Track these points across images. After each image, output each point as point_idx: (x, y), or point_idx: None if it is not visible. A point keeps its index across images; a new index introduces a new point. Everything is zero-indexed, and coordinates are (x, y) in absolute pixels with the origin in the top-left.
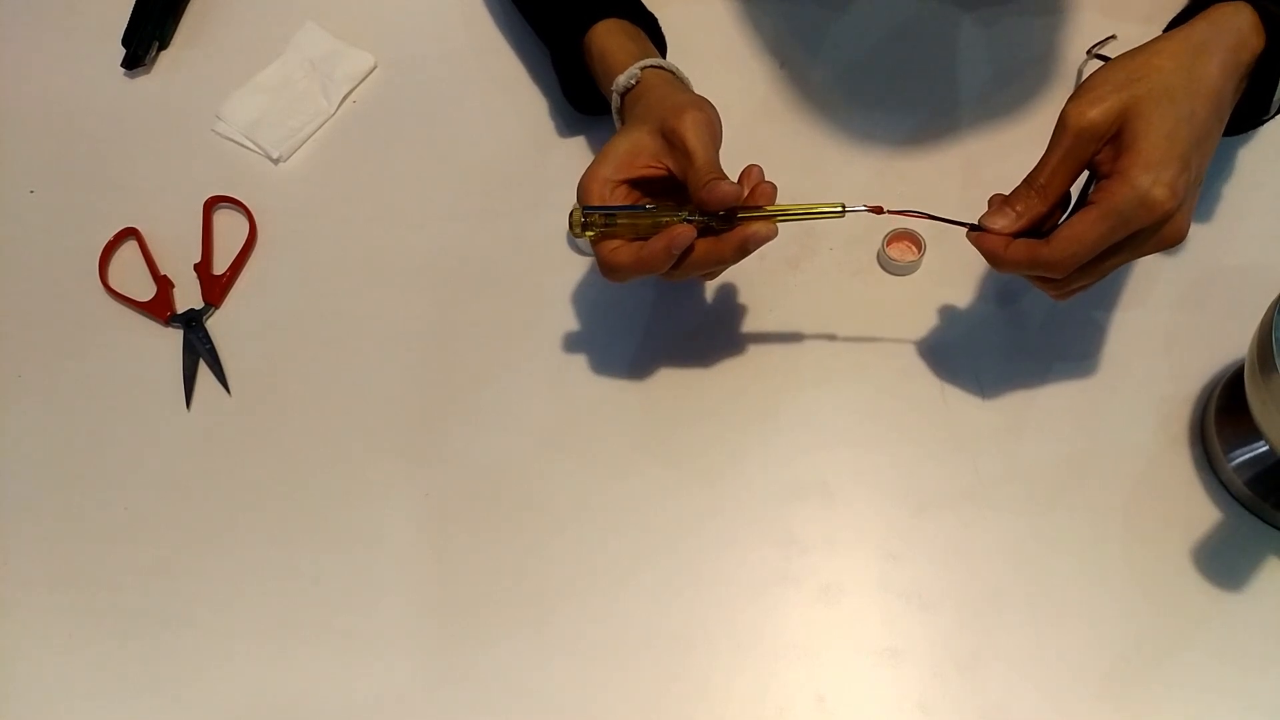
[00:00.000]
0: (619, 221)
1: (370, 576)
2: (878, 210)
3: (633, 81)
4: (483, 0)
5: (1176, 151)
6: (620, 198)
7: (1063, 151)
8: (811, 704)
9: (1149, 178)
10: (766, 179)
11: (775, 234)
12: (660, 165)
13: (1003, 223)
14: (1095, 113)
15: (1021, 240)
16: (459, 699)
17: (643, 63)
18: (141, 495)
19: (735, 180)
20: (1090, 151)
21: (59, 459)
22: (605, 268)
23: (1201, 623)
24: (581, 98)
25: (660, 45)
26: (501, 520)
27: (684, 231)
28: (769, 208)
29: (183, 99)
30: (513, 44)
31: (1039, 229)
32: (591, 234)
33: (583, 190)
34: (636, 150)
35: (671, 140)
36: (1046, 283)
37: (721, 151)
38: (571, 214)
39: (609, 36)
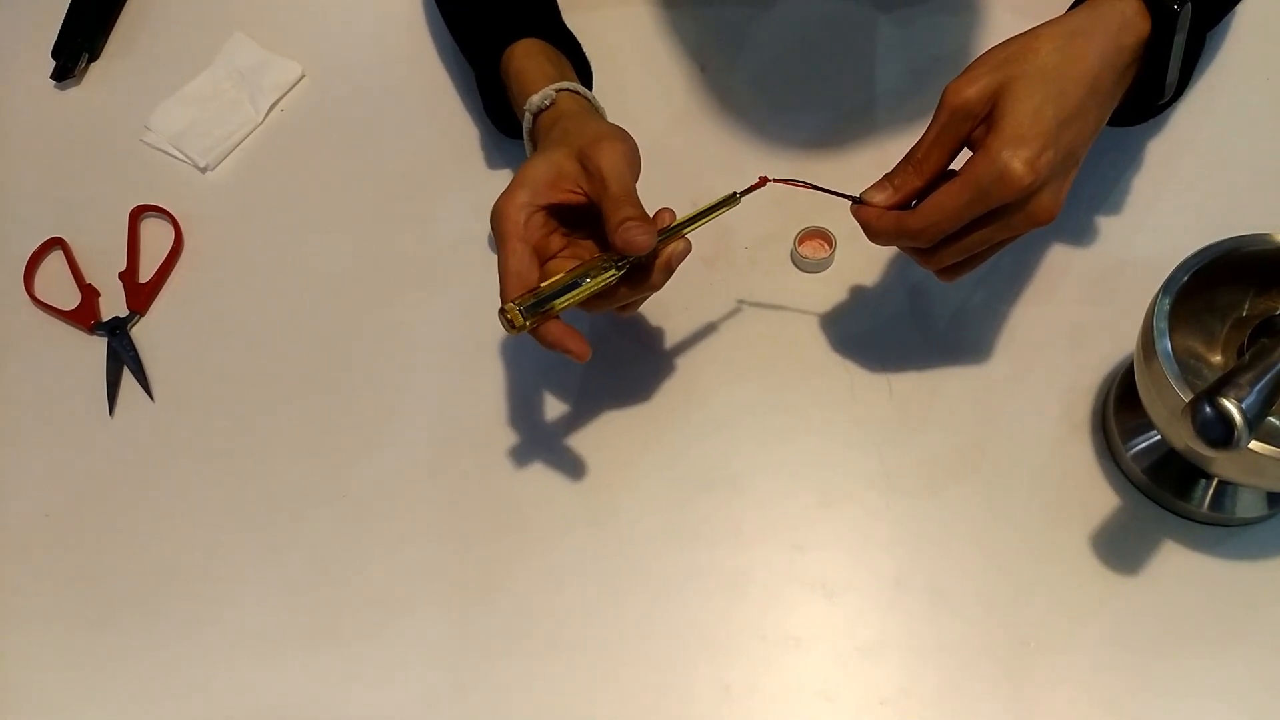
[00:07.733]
0: (556, 305)
1: (286, 581)
2: (762, 182)
3: (547, 102)
4: (422, 9)
5: (1040, 129)
6: (537, 226)
7: (939, 128)
8: (718, 694)
9: (1009, 153)
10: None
11: (691, 247)
12: (580, 191)
13: (880, 197)
14: (971, 91)
15: (892, 211)
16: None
17: (558, 85)
18: (62, 501)
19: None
20: (967, 129)
21: None
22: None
23: (1100, 607)
24: (503, 118)
25: (584, 71)
26: (399, 519)
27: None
28: (677, 224)
29: (112, 110)
30: (438, 53)
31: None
32: (531, 323)
33: (497, 216)
34: (556, 174)
35: (589, 169)
36: (921, 255)
37: (644, 155)
38: (505, 312)
39: (527, 58)
